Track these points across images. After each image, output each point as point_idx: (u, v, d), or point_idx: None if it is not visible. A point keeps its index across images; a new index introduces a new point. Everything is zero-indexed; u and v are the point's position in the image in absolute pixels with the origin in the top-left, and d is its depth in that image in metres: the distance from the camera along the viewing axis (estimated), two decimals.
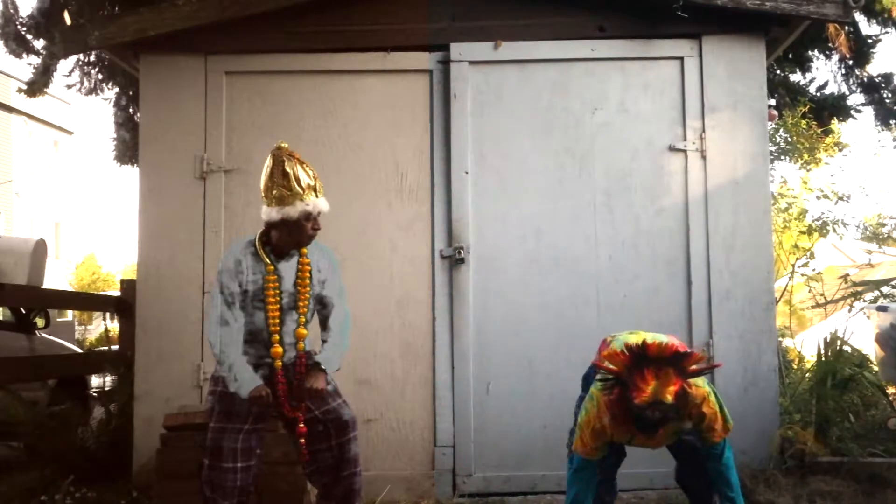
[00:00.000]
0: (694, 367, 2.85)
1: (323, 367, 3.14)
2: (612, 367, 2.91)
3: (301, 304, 3.19)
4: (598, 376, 3.06)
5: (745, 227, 4.55)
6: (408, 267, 4.57)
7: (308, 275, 3.21)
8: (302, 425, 3.16)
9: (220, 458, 3.13)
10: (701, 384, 3.05)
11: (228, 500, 3.14)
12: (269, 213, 3.14)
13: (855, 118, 8.88)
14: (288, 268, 3.19)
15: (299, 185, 3.10)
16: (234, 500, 3.15)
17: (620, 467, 3.51)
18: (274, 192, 3.11)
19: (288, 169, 3.10)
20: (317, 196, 3.15)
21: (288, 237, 3.15)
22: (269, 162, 3.16)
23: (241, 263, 3.15)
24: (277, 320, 3.15)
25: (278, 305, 3.15)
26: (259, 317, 3.15)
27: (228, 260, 3.16)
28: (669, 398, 2.77)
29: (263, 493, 3.65)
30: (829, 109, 8.71)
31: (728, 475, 3.12)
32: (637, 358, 2.81)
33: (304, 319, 3.21)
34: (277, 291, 3.15)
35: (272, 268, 3.15)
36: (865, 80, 8.79)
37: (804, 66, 8.81)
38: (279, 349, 3.16)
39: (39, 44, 8.22)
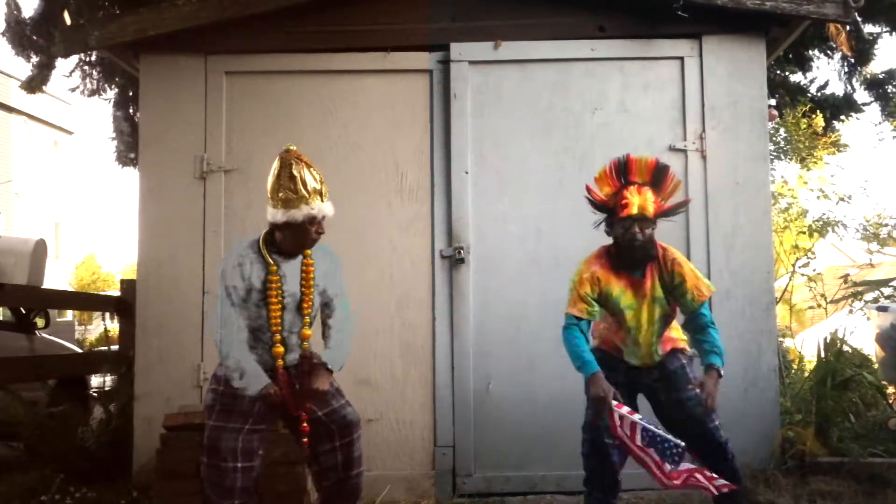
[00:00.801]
0: (671, 193, 3.48)
1: (329, 366, 3.15)
2: (599, 194, 3.52)
3: (305, 304, 3.20)
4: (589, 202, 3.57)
5: (745, 227, 4.55)
6: (408, 267, 4.57)
7: (312, 275, 3.21)
8: (305, 425, 3.16)
9: (217, 456, 3.13)
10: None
11: (227, 499, 3.13)
12: (274, 214, 3.14)
13: (858, 118, 8.91)
14: (291, 268, 3.19)
15: (305, 188, 3.10)
16: (234, 500, 3.14)
17: (622, 468, 3.53)
18: (280, 194, 3.11)
19: (295, 172, 3.10)
20: (322, 200, 3.15)
21: (292, 239, 3.16)
22: (276, 164, 3.15)
23: (243, 262, 3.16)
24: (279, 320, 3.15)
25: (280, 305, 3.15)
26: (262, 316, 3.15)
27: (231, 259, 3.16)
28: (650, 212, 3.37)
29: (263, 493, 3.65)
30: (830, 109, 8.72)
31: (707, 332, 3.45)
32: (621, 183, 3.43)
33: (308, 320, 3.22)
34: (280, 291, 3.14)
35: (275, 268, 3.15)
36: (869, 77, 8.82)
37: (805, 65, 8.82)
38: (280, 348, 3.16)
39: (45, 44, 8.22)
